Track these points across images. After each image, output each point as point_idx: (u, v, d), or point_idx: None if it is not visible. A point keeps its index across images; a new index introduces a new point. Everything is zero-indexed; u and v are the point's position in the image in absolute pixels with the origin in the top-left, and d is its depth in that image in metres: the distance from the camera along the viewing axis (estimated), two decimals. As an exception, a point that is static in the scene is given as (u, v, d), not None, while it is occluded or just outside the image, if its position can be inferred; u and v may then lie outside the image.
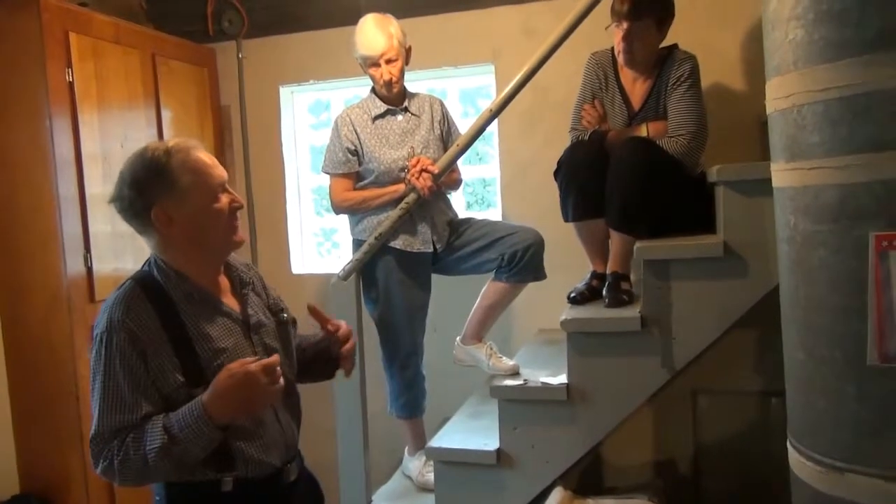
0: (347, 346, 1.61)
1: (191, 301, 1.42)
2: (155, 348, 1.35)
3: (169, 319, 1.38)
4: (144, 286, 1.41)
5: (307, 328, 1.77)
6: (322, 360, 1.67)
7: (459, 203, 3.28)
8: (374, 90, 2.56)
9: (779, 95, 1.36)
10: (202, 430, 1.28)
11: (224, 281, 1.53)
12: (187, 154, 1.42)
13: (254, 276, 1.61)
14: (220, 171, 1.47)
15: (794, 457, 1.45)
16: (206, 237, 1.44)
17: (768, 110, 1.43)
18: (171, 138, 1.50)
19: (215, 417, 1.29)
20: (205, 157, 1.45)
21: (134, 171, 1.41)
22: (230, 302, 1.50)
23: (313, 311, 1.62)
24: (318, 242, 3.78)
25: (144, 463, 1.29)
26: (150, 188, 1.39)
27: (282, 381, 1.35)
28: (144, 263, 1.48)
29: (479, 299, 2.58)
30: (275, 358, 1.34)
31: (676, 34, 2.36)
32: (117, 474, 1.32)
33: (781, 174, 1.40)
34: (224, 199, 1.45)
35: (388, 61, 2.42)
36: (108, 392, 1.34)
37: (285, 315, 1.61)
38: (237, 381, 1.29)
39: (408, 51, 2.50)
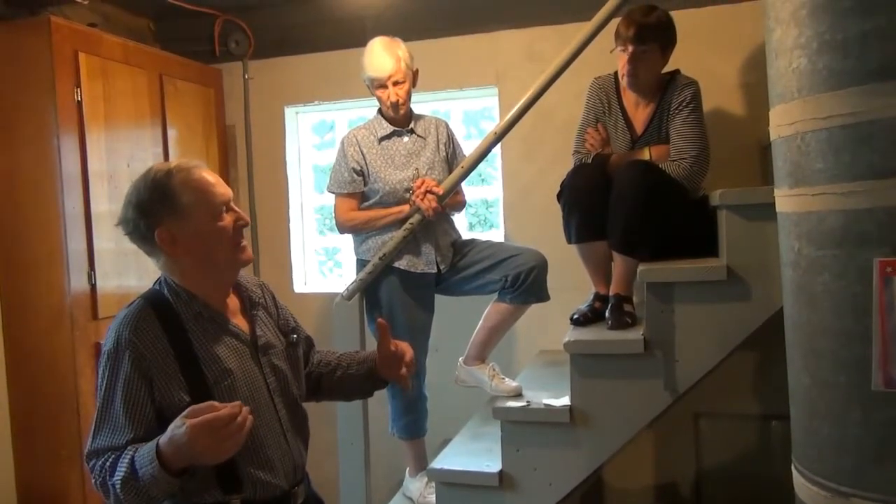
0: (410, 370, 1.64)
1: (199, 321, 1.42)
2: (161, 368, 1.35)
3: (177, 339, 1.38)
4: (154, 304, 1.41)
5: (322, 344, 1.79)
6: (366, 378, 1.68)
7: (462, 224, 3.30)
8: (380, 111, 2.59)
9: (782, 122, 1.39)
10: (157, 476, 1.24)
11: (234, 301, 1.53)
12: (189, 173, 1.42)
13: (266, 296, 1.62)
14: (224, 190, 1.46)
15: (798, 481, 1.45)
16: (210, 256, 1.44)
17: (772, 137, 1.46)
18: (174, 159, 1.50)
19: (169, 464, 1.24)
20: (208, 175, 1.45)
21: (138, 193, 1.42)
22: (240, 322, 1.50)
23: (382, 328, 1.63)
24: (320, 261, 3.79)
25: (115, 491, 1.29)
26: (152, 209, 1.40)
27: (249, 422, 1.26)
28: (155, 282, 1.48)
29: (482, 320, 2.58)
30: (235, 406, 1.25)
31: (678, 60, 2.39)
32: (102, 495, 1.33)
33: (785, 199, 1.42)
34: (228, 218, 1.44)
35: (396, 83, 2.46)
36: (104, 411, 1.35)
37: (295, 336, 1.61)
38: (194, 433, 1.21)
39: (415, 73, 2.53)
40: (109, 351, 1.36)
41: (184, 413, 1.24)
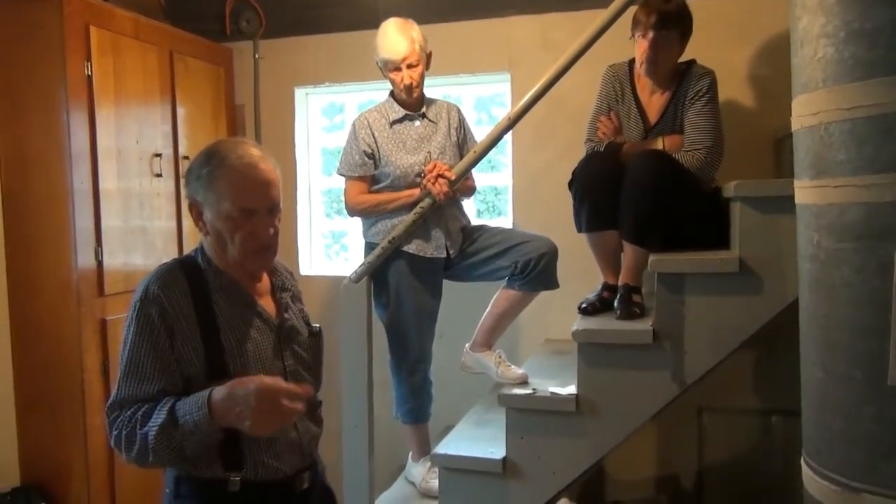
0: None
1: (226, 294, 1.43)
2: (182, 328, 1.35)
3: (202, 305, 1.38)
4: (185, 268, 1.42)
5: (329, 327, 1.77)
6: None
7: (470, 211, 3.28)
8: (392, 94, 2.56)
9: (805, 112, 1.37)
10: (201, 425, 1.26)
11: (265, 282, 1.52)
12: (240, 165, 1.38)
13: (294, 286, 1.61)
14: (263, 199, 1.40)
15: (807, 475, 1.45)
16: (225, 247, 1.42)
17: (794, 127, 1.44)
18: (243, 145, 1.42)
19: (218, 418, 1.26)
20: (257, 176, 1.38)
21: (192, 160, 1.44)
22: (267, 304, 1.50)
23: None
24: (326, 244, 3.78)
25: (145, 440, 1.28)
26: (192, 181, 1.42)
27: (300, 406, 1.31)
28: (194, 248, 1.49)
29: (490, 307, 2.57)
30: (305, 389, 1.33)
31: (693, 50, 2.37)
32: (123, 448, 1.32)
33: (805, 191, 1.40)
34: (246, 224, 1.38)
35: (410, 66, 2.43)
36: (131, 361, 1.34)
37: (318, 326, 1.60)
38: (255, 394, 1.25)
39: (428, 56, 2.51)
40: (136, 303, 1.37)
41: (250, 379, 1.28)
